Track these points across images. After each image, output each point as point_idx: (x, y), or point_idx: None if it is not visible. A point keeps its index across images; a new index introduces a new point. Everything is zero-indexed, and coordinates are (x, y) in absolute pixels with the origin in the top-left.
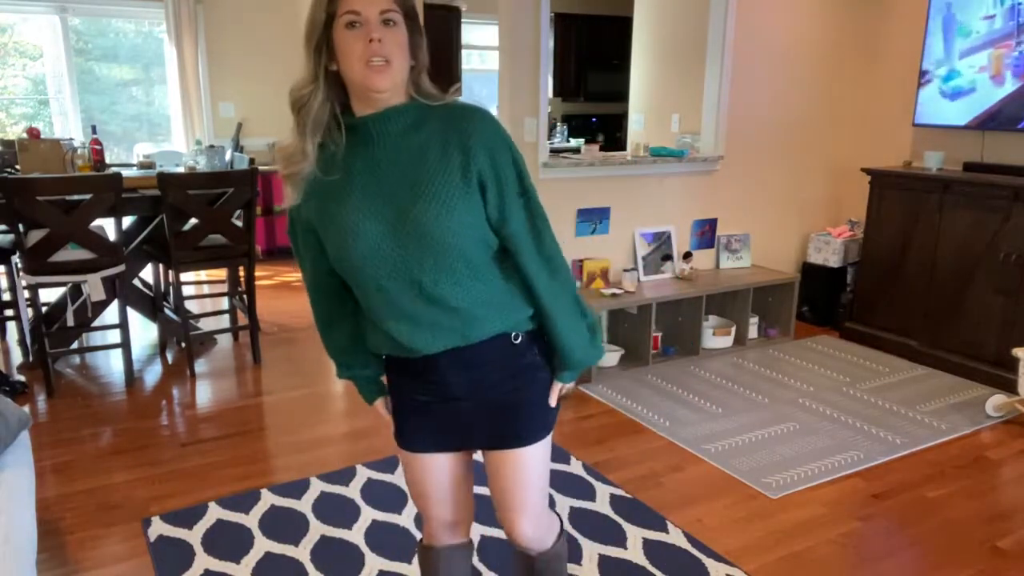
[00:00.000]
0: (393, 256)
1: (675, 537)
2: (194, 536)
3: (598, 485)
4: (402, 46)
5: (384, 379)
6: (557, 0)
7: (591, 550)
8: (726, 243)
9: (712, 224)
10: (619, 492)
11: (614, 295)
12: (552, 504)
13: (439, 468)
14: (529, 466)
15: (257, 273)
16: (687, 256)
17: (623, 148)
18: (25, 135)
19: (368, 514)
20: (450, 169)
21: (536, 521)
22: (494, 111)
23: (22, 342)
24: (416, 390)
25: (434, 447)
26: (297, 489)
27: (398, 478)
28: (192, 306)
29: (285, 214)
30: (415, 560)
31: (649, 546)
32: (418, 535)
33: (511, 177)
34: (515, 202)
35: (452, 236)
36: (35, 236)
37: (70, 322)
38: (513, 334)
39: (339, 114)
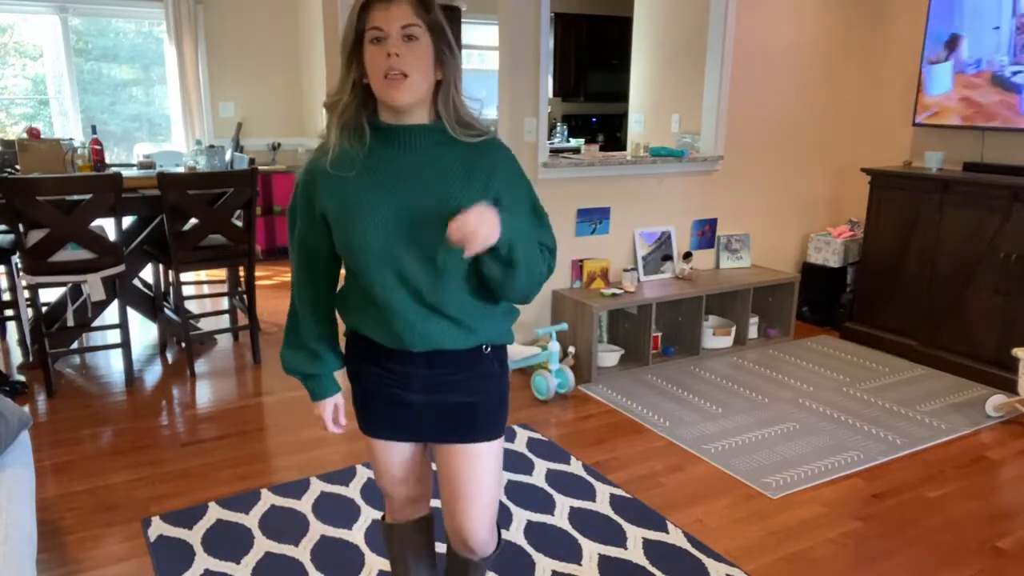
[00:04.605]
0: (401, 253)
1: (675, 537)
2: (194, 536)
3: (598, 485)
4: (422, 61)
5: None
6: (557, 0)
7: (591, 550)
8: (726, 243)
9: (712, 224)
10: (619, 492)
11: (614, 295)
12: (506, 522)
13: (399, 452)
14: (479, 463)
15: (257, 273)
16: (687, 256)
17: (623, 148)
18: (25, 135)
19: (368, 514)
20: (472, 190)
21: (486, 523)
22: (494, 111)
23: (22, 342)
24: (379, 379)
25: (392, 436)
26: (297, 489)
27: None
28: (192, 306)
29: (286, 213)
30: None
31: (649, 546)
32: None
33: (524, 200)
34: (530, 218)
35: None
36: (35, 236)
37: (70, 322)
38: (484, 346)
39: (367, 120)
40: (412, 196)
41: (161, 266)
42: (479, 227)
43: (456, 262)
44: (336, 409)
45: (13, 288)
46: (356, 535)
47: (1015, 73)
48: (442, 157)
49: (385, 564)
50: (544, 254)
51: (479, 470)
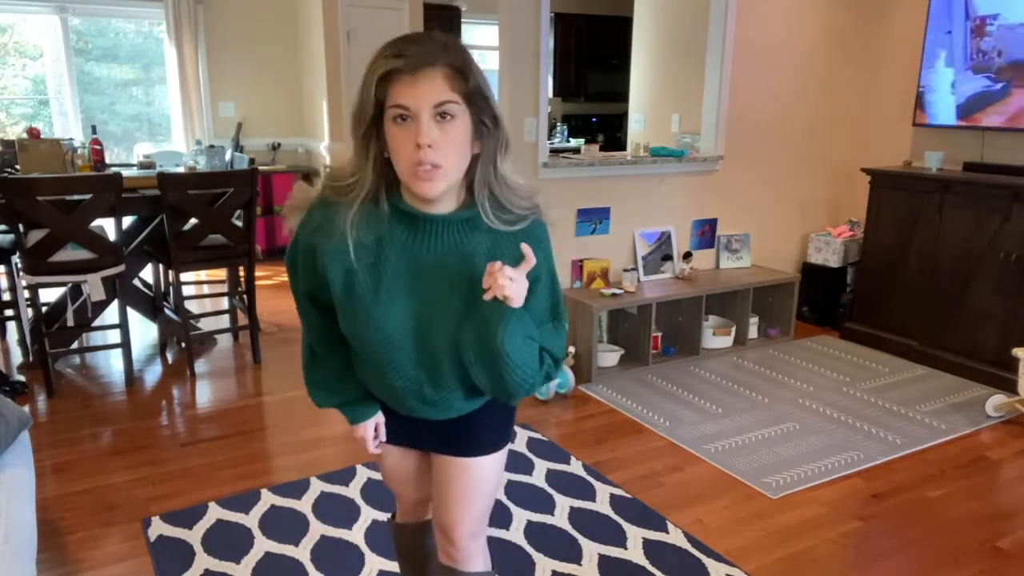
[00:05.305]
0: (404, 350)
1: (675, 537)
2: (194, 536)
3: (598, 485)
4: (458, 144)
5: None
6: (557, 0)
7: (591, 550)
8: (726, 243)
9: (712, 224)
10: (619, 492)
11: (614, 295)
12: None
13: (405, 455)
14: (473, 477)
15: (257, 273)
16: (687, 256)
17: (623, 148)
18: (25, 135)
19: (368, 514)
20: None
21: (471, 529)
22: None
23: (22, 342)
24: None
25: (397, 442)
26: (297, 489)
27: None
28: (192, 306)
29: (285, 214)
30: None
31: (649, 546)
32: None
33: (545, 281)
34: (543, 296)
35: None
36: (35, 236)
37: (70, 322)
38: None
39: (386, 200)
40: (425, 295)
41: (161, 266)
42: (517, 289)
43: (457, 359)
44: (377, 428)
45: (13, 288)
46: (356, 535)
47: (930, 92)
48: (467, 245)
49: (385, 564)
50: (544, 359)
51: (474, 481)
